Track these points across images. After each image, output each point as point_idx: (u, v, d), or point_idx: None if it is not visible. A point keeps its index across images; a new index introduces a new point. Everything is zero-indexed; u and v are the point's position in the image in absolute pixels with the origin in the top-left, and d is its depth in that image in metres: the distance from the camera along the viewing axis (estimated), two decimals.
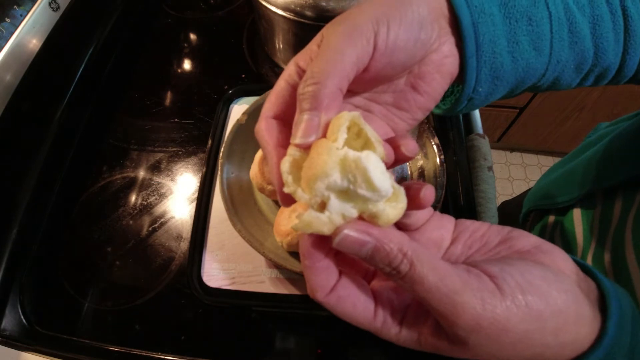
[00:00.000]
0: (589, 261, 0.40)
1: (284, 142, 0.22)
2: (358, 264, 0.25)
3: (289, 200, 0.22)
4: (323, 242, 0.21)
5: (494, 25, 0.23)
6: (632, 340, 0.21)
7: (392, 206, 0.20)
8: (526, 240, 0.22)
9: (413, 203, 0.21)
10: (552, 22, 0.24)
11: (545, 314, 0.19)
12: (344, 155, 0.19)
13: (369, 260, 0.20)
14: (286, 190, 0.20)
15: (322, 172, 0.18)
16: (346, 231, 0.19)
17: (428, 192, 0.21)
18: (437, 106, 0.30)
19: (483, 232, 0.23)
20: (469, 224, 0.24)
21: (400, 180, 0.48)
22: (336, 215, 0.19)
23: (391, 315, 0.22)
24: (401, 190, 0.20)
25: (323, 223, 0.19)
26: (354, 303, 0.21)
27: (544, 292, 0.19)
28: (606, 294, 0.21)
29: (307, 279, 0.22)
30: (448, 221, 0.25)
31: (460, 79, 0.25)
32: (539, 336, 0.19)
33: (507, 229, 0.23)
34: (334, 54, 0.21)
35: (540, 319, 0.19)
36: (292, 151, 0.21)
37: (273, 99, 0.23)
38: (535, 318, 0.19)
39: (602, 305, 0.21)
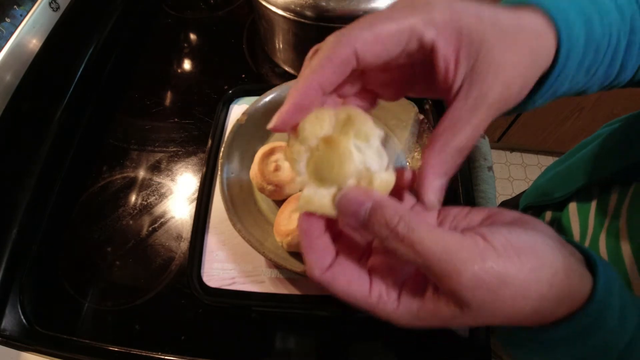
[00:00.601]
0: None
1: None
2: (354, 246, 0.25)
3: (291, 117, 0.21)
4: (320, 221, 0.22)
5: (578, 55, 0.23)
6: (621, 304, 0.21)
7: (385, 173, 0.21)
8: (507, 214, 0.23)
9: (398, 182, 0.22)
10: (607, 50, 0.25)
11: (537, 266, 0.20)
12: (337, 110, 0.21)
13: (366, 223, 0.20)
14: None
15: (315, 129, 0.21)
16: (346, 190, 0.20)
17: (407, 174, 0.23)
18: None
19: (465, 213, 0.24)
20: (451, 208, 0.25)
21: None
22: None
23: (387, 291, 0.22)
24: (393, 176, 0.22)
25: (322, 196, 0.20)
26: (349, 280, 0.22)
27: (532, 246, 0.20)
28: (592, 257, 0.22)
29: (305, 257, 0.22)
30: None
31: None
32: (535, 287, 0.19)
33: (487, 208, 0.24)
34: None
35: (535, 270, 0.19)
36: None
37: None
38: (530, 269, 0.19)
39: (589, 267, 0.22)
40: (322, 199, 0.21)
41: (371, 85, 0.25)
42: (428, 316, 0.21)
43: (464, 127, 0.21)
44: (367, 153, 0.21)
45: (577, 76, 0.25)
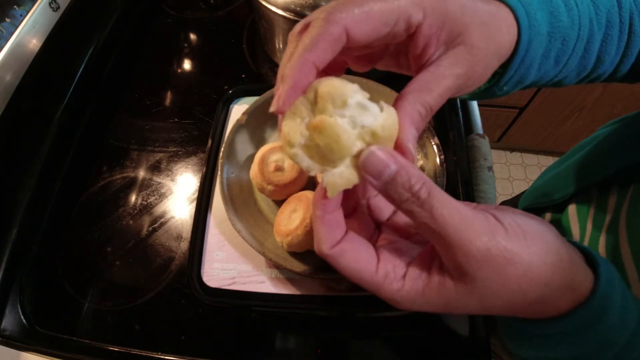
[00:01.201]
0: None
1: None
2: (364, 227, 0.26)
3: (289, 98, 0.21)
4: (337, 195, 0.22)
5: (540, 45, 0.25)
6: (622, 299, 0.22)
7: (382, 115, 0.21)
8: (514, 209, 0.24)
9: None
10: (577, 41, 0.26)
11: (543, 249, 0.20)
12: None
13: (388, 184, 0.20)
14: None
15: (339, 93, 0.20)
16: (374, 148, 0.20)
17: None
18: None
19: (474, 206, 0.24)
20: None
21: None
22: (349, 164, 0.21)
23: (394, 270, 0.22)
24: (391, 110, 0.21)
25: (341, 173, 0.20)
26: (357, 257, 0.22)
27: (538, 232, 0.21)
28: (592, 254, 0.22)
29: (315, 231, 0.22)
30: None
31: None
32: (540, 269, 0.20)
33: (490, 206, 0.24)
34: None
35: (540, 253, 0.20)
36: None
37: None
38: (536, 252, 0.20)
39: (589, 265, 0.22)
40: (342, 175, 0.20)
41: (344, 57, 0.25)
42: (433, 294, 0.21)
43: (434, 89, 0.22)
44: (354, 113, 0.20)
45: (545, 65, 0.26)
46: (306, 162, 0.21)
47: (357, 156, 0.21)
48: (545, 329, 0.22)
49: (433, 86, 0.22)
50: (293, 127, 0.21)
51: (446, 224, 0.19)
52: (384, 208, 0.27)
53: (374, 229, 0.27)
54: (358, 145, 0.20)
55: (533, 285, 0.20)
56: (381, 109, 0.20)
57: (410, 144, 0.21)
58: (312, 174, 0.21)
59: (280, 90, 0.21)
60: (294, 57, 0.20)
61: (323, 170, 0.21)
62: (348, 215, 0.25)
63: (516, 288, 0.20)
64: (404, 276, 0.22)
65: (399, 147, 0.21)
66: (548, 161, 1.67)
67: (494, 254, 0.19)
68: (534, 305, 0.21)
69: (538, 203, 0.51)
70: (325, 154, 0.20)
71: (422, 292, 0.21)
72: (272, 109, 0.21)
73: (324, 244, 0.22)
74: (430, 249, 0.23)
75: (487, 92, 0.28)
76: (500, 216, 0.21)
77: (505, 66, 0.25)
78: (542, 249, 0.20)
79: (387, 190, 0.20)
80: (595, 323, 0.21)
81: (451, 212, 0.19)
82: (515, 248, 0.19)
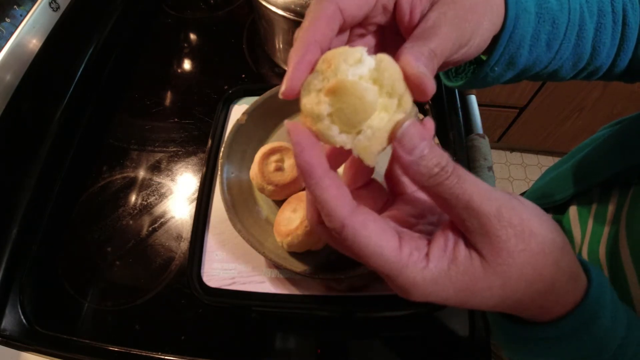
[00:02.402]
0: (585, 257, 0.40)
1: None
2: (373, 198, 0.25)
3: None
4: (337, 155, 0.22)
5: (528, 23, 0.26)
6: (612, 304, 0.22)
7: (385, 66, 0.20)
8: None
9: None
10: (569, 26, 0.27)
11: (555, 232, 0.21)
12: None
13: (420, 159, 0.19)
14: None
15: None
16: (410, 122, 0.19)
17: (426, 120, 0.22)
18: (451, 80, 0.33)
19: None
20: None
21: None
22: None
23: (417, 248, 0.20)
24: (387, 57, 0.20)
25: (374, 136, 0.19)
26: (381, 228, 0.20)
27: (549, 219, 0.21)
28: (582, 261, 0.23)
29: (324, 200, 0.19)
30: None
31: (478, 57, 0.29)
32: (553, 248, 0.20)
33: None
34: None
35: (553, 234, 0.21)
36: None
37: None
38: (550, 231, 0.20)
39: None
40: (374, 138, 0.19)
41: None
42: (459, 274, 0.20)
43: (430, 38, 0.21)
44: (370, 67, 0.19)
45: (536, 48, 0.27)
46: (338, 135, 0.19)
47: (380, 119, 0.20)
48: (541, 334, 0.22)
49: (427, 35, 0.22)
50: (313, 100, 0.19)
51: (473, 193, 0.19)
52: (375, 197, 0.26)
53: (382, 204, 0.25)
54: (381, 102, 0.20)
55: (547, 266, 0.20)
56: (380, 60, 0.20)
57: (423, 69, 0.20)
58: (347, 147, 0.20)
59: (286, 74, 0.20)
60: (296, 40, 0.21)
61: (354, 140, 0.19)
62: (356, 187, 0.24)
63: (536, 264, 0.20)
64: (427, 255, 0.20)
65: (411, 78, 0.20)
66: (548, 161, 1.67)
67: (516, 226, 0.19)
68: (546, 295, 0.21)
69: (539, 204, 0.51)
70: (350, 118, 0.19)
71: (448, 270, 0.20)
72: (281, 90, 0.20)
73: (342, 209, 0.19)
74: (450, 227, 0.21)
75: (479, 74, 0.28)
76: (519, 198, 0.21)
77: (494, 42, 0.26)
78: (555, 232, 0.21)
79: (417, 164, 0.19)
80: (590, 325, 0.21)
81: (475, 182, 0.20)
82: (533, 222, 0.20)
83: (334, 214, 0.19)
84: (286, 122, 0.20)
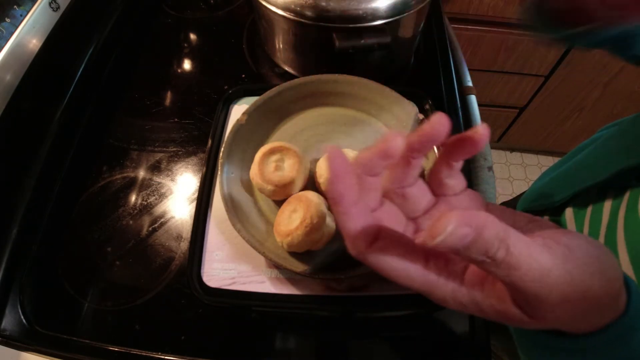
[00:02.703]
0: None
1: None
2: (394, 218, 0.24)
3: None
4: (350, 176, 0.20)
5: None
6: None
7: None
8: (546, 219, 0.23)
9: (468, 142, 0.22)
10: None
11: (604, 258, 0.20)
12: None
13: (461, 252, 0.17)
14: None
15: None
16: (451, 228, 0.16)
17: (481, 129, 0.21)
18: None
19: (511, 211, 0.24)
20: (493, 205, 0.25)
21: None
22: None
23: (445, 267, 0.20)
24: None
25: None
26: (402, 253, 0.19)
27: (591, 250, 0.20)
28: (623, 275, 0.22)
29: (347, 230, 0.19)
30: (477, 196, 0.26)
31: None
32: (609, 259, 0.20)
33: (528, 215, 0.24)
34: None
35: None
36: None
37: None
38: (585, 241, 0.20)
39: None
40: None
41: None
42: (490, 312, 0.20)
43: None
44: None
45: None
46: None
47: None
48: (576, 344, 0.22)
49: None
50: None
51: (526, 280, 0.17)
52: (420, 197, 0.25)
53: (405, 224, 0.24)
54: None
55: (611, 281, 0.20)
56: None
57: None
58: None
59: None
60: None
61: None
62: (374, 208, 0.23)
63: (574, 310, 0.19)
64: (460, 278, 0.20)
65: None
66: (548, 161, 1.67)
67: (570, 299, 0.18)
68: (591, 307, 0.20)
69: (536, 206, 0.50)
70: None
71: (478, 303, 0.20)
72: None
73: (361, 242, 0.19)
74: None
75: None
76: (563, 238, 0.19)
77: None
78: (604, 258, 0.20)
79: (459, 254, 0.17)
80: (627, 336, 0.21)
81: (532, 265, 0.17)
82: (582, 276, 0.18)
83: (355, 244, 0.20)
84: (328, 146, 0.19)
